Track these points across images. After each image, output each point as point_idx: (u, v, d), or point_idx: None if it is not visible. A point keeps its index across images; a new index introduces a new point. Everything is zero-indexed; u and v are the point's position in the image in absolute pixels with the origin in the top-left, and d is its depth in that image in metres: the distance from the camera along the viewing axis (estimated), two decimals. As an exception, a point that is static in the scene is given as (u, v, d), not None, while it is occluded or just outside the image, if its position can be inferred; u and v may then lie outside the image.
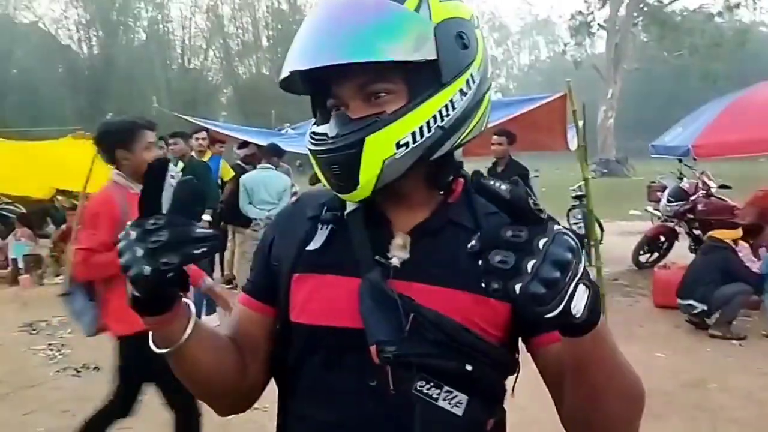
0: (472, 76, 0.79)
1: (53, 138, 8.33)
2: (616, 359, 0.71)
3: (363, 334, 0.76)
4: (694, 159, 6.73)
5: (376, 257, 0.80)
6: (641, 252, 7.10)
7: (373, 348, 0.75)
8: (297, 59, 0.75)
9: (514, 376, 0.85)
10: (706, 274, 4.88)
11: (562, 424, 0.80)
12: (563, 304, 0.57)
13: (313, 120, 0.84)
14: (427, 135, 0.76)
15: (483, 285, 0.58)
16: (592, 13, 27.90)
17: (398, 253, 0.80)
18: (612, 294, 5.80)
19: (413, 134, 0.75)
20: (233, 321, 0.90)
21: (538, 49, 56.72)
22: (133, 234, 0.66)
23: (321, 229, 0.84)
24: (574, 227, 8.07)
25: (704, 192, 6.80)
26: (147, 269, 0.64)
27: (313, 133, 0.80)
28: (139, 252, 0.65)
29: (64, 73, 30.83)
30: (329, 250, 0.83)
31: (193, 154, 5.68)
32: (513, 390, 0.86)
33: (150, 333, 0.76)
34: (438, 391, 0.77)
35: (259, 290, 0.90)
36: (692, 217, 6.75)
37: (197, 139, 5.80)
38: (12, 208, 8.78)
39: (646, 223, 8.90)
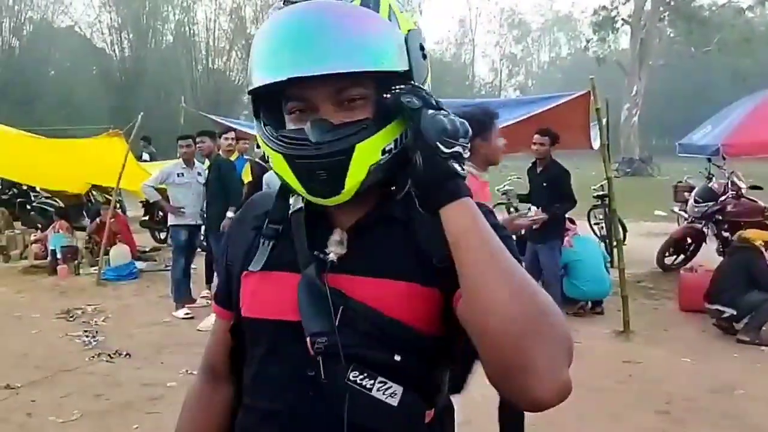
0: (429, 85, 0.83)
1: (87, 136, 8.63)
2: (497, 250, 0.72)
3: (300, 326, 0.80)
4: (724, 158, 6.57)
5: (315, 253, 0.83)
6: (667, 254, 6.95)
7: (308, 339, 0.79)
8: (296, 64, 0.74)
9: (467, 371, 0.88)
10: (731, 277, 4.77)
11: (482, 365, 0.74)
12: (411, 98, 0.74)
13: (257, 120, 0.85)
14: (405, 141, 0.79)
15: (384, 96, 0.75)
16: (616, 8, 27.46)
17: (335, 248, 0.83)
18: (636, 296, 5.70)
19: (395, 141, 0.78)
20: (212, 335, 0.99)
21: (559, 45, 56.09)
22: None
23: (263, 244, 0.88)
24: (595, 228, 7.97)
25: (734, 193, 6.62)
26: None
27: (284, 136, 0.79)
28: None
29: (98, 75, 32.04)
30: (274, 249, 0.87)
31: (220, 152, 5.80)
32: (464, 384, 0.89)
33: None
34: (372, 381, 0.79)
35: (225, 298, 0.96)
36: (721, 218, 6.57)
37: (226, 138, 5.90)
38: (51, 202, 9.16)
39: (671, 224, 8.74)
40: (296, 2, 0.77)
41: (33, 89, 27.88)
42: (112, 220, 7.13)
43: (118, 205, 8.15)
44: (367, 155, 0.76)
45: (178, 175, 5.73)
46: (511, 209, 8.30)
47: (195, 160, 5.91)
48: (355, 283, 0.81)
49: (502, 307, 0.68)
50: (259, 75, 0.77)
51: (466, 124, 0.74)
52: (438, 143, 0.72)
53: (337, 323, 0.78)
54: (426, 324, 0.81)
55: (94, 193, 9.37)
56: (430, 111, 0.74)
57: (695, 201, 6.81)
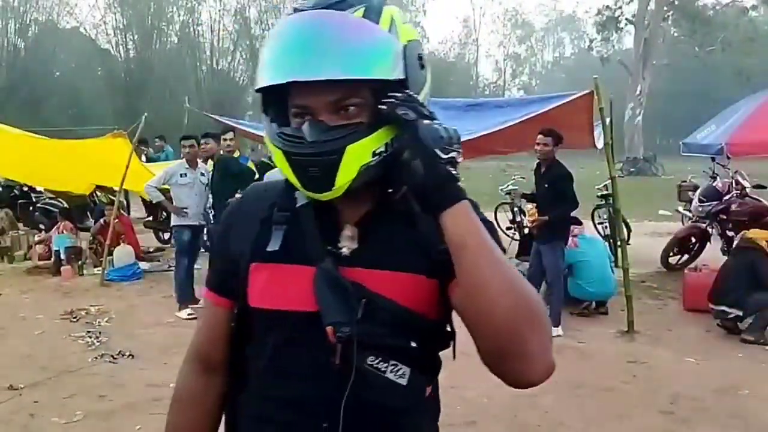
0: (427, 93, 0.89)
1: (93, 137, 8.66)
2: (492, 251, 0.79)
3: (317, 316, 0.86)
4: (728, 157, 6.53)
5: (328, 247, 0.89)
6: (671, 253, 6.93)
7: (329, 329, 0.84)
8: (295, 69, 0.80)
9: (451, 344, 0.96)
10: (736, 278, 4.74)
11: (477, 350, 0.82)
12: (406, 111, 0.81)
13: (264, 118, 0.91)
14: (396, 145, 0.84)
15: (381, 106, 0.81)
16: (620, 7, 27.36)
17: (348, 243, 0.89)
18: (640, 296, 5.68)
19: (386, 144, 0.84)
20: (205, 325, 0.99)
21: (563, 45, 55.96)
22: None
23: (276, 230, 0.92)
24: (599, 227, 7.94)
25: (738, 192, 6.58)
26: None
27: (284, 134, 0.86)
28: None
29: (103, 76, 32.17)
30: (285, 239, 0.92)
31: (222, 152, 5.85)
32: (454, 356, 0.96)
33: None
34: (386, 365, 0.88)
35: (221, 284, 0.98)
36: (725, 217, 6.54)
37: (224, 139, 5.92)
38: (55, 202, 9.17)
39: (676, 223, 8.71)
40: (303, 10, 0.84)
41: (38, 90, 27.98)
42: (116, 220, 7.15)
43: (123, 205, 8.16)
44: (357, 156, 0.83)
45: (181, 176, 5.73)
46: (515, 209, 8.29)
47: (198, 161, 5.93)
48: (369, 276, 0.88)
49: (504, 301, 0.76)
50: (264, 76, 0.84)
51: (458, 131, 0.81)
52: (437, 150, 0.78)
53: (360, 314, 0.85)
54: (430, 311, 0.90)
55: (98, 193, 9.38)
56: (426, 121, 0.80)
57: (699, 200, 6.78)
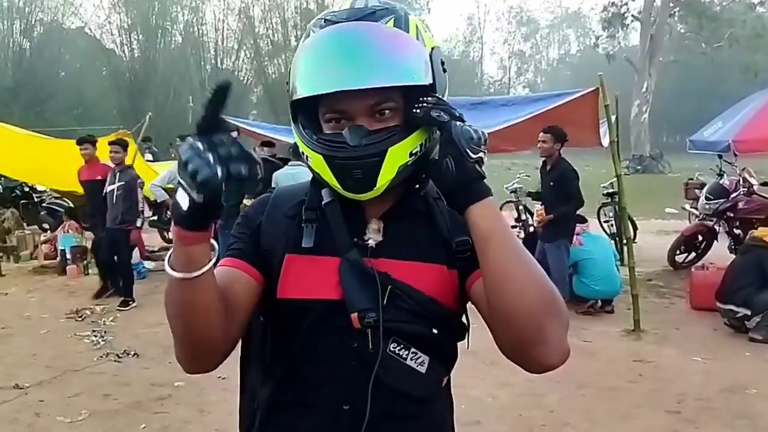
0: (447, 94, 0.95)
1: (99, 136, 8.66)
2: (517, 245, 0.85)
3: (343, 304, 0.90)
4: (735, 155, 6.48)
5: (355, 239, 0.94)
6: (678, 252, 6.88)
7: (354, 315, 0.89)
8: (343, 79, 0.84)
9: (466, 336, 1.01)
10: (744, 276, 4.70)
11: (494, 340, 0.87)
12: (439, 113, 0.87)
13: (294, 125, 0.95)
14: (428, 144, 0.91)
15: (414, 110, 0.88)
16: (626, 4, 27.22)
17: (374, 236, 0.95)
18: (646, 295, 5.65)
19: (421, 145, 0.90)
20: (219, 277, 0.90)
21: (568, 42, 55.71)
22: (200, 145, 0.72)
23: (307, 227, 0.96)
24: (605, 225, 7.90)
25: (745, 189, 6.53)
26: (219, 172, 0.71)
27: (324, 139, 0.90)
28: (211, 158, 0.71)
29: (108, 76, 32.30)
30: (317, 234, 0.96)
31: None
32: (468, 345, 1.00)
33: (173, 258, 0.81)
34: (407, 352, 0.92)
35: (248, 255, 0.97)
36: (732, 215, 6.50)
37: None
38: (60, 202, 9.22)
39: (682, 221, 8.66)
40: (337, 22, 0.89)
41: (44, 90, 28.13)
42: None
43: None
44: (397, 157, 0.88)
45: None
46: (520, 207, 8.25)
47: None
48: (394, 266, 0.93)
49: (527, 294, 0.82)
50: (306, 87, 0.88)
51: (486, 132, 0.87)
52: (467, 150, 0.85)
53: (384, 301, 0.90)
54: (450, 301, 0.95)
55: (103, 193, 9.45)
56: (458, 123, 0.87)
57: (706, 198, 6.73)
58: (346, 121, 0.89)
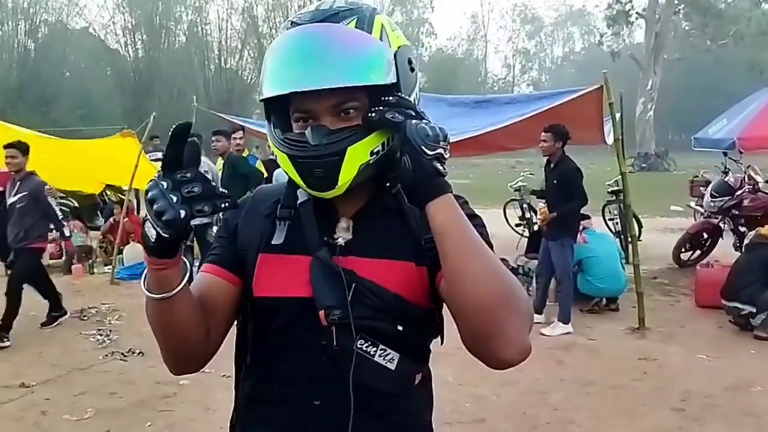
0: (417, 94, 0.97)
1: (102, 137, 8.71)
2: (474, 239, 0.85)
3: (313, 301, 0.92)
4: (740, 152, 6.45)
5: (325, 238, 0.96)
6: (683, 249, 6.86)
7: (321, 312, 0.90)
8: (299, 79, 0.86)
9: (438, 334, 1.01)
10: (749, 274, 4.69)
11: (459, 334, 0.86)
12: (393, 114, 0.87)
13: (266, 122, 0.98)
14: (392, 144, 0.91)
15: (370, 113, 0.88)
16: (630, 1, 27.12)
17: (343, 234, 0.96)
18: (651, 293, 5.63)
19: (382, 144, 0.91)
20: (198, 285, 0.97)
21: (573, 40, 55.62)
22: (165, 184, 0.76)
23: (279, 225, 0.99)
24: (610, 223, 7.88)
25: (751, 187, 6.50)
26: (182, 213, 0.74)
27: (289, 139, 0.92)
28: (174, 199, 0.75)
29: (112, 76, 32.51)
30: (288, 232, 0.99)
31: (231, 151, 5.90)
32: (442, 341, 1.02)
33: (147, 280, 0.86)
34: (375, 348, 0.93)
35: (227, 262, 1.00)
36: (737, 213, 6.47)
37: (234, 138, 5.97)
38: (66, 202, 9.24)
39: (688, 219, 8.62)
40: (301, 24, 0.91)
41: (49, 91, 28.28)
42: (126, 219, 7.21)
43: (133, 204, 8.22)
44: (357, 156, 0.90)
45: None
46: (524, 205, 8.24)
47: (203, 158, 5.97)
48: (362, 264, 0.94)
49: (481, 286, 0.81)
50: (268, 87, 0.90)
51: (445, 129, 0.86)
52: (422, 147, 0.84)
53: (349, 298, 0.91)
54: (419, 298, 0.95)
55: (108, 192, 9.47)
56: (413, 121, 0.86)
57: (711, 196, 6.70)
58: (312, 121, 0.91)
